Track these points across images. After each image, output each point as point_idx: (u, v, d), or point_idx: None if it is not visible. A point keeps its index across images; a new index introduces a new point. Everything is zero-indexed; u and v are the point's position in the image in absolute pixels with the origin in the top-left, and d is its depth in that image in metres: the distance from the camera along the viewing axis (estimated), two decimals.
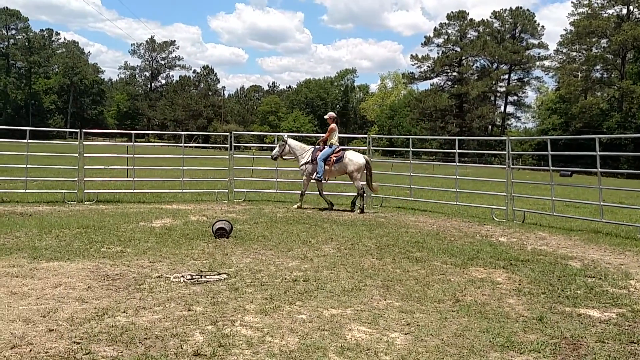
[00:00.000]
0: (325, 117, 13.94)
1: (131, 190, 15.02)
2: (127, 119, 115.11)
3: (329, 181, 14.04)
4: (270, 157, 14.16)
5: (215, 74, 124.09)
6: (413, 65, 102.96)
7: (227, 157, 15.86)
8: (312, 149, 13.57)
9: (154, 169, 19.57)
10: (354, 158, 13.34)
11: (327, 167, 13.15)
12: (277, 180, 16.21)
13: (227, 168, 15.62)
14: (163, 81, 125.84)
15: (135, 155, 15.45)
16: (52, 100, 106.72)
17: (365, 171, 13.38)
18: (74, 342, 4.16)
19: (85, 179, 14.34)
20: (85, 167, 14.50)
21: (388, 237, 9.46)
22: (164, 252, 7.60)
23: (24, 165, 14.44)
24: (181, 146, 17.23)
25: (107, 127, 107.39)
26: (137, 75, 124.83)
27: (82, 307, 5.04)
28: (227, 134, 16.07)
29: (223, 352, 4.10)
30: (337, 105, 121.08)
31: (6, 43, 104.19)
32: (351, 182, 13.80)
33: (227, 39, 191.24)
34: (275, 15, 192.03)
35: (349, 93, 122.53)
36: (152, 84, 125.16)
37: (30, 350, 3.96)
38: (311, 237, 9.16)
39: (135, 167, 15.42)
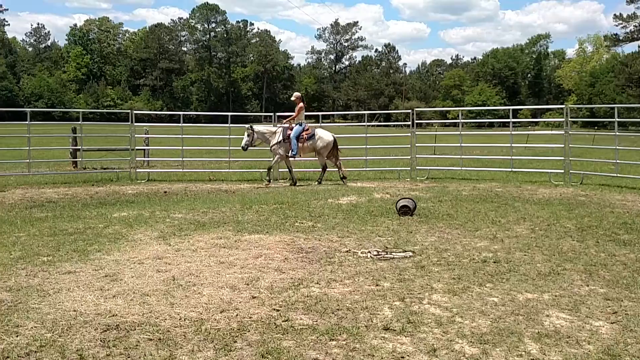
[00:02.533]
0: (292, 98, 14.37)
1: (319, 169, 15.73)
2: (314, 102, 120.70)
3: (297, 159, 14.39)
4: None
5: (397, 51, 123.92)
6: (617, 25, 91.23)
7: (409, 134, 15.79)
8: (282, 129, 13.99)
9: (340, 148, 20.26)
10: (324, 136, 13.97)
11: (300, 144, 13.75)
12: (462, 157, 15.72)
13: (409, 145, 15.56)
14: (346, 62, 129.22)
15: None
16: (249, 87, 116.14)
17: (332, 148, 13.94)
18: (274, 309, 4.50)
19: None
20: None
21: (590, 218, 8.61)
22: (351, 227, 7.84)
23: (227, 148, 15.99)
24: (364, 125, 17.57)
25: None
26: (322, 59, 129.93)
27: (280, 277, 5.43)
28: (409, 111, 15.99)
29: (412, 328, 4.10)
30: (529, 74, 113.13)
31: (208, 36, 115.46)
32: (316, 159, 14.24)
33: (408, 14, 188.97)
34: None
35: (542, 60, 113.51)
36: (337, 66, 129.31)
37: (237, 315, 4.37)
38: (501, 217, 8.72)
39: None
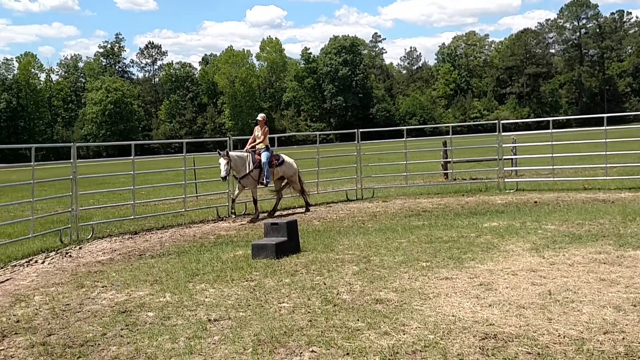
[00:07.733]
0: (258, 118, 12.83)
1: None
2: None
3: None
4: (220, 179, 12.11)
5: None
6: None
7: None
8: (248, 155, 12.33)
9: None
10: (292, 162, 13.02)
11: (271, 169, 12.48)
12: None
13: None
14: None
15: None
16: (627, 83, 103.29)
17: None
18: None
19: None
20: None
21: None
22: None
23: (603, 152, 14.59)
24: None
25: None
26: None
27: None
28: None
29: None
30: None
31: (578, 34, 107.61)
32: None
33: None
34: None
35: None
36: None
37: (623, 338, 3.94)
38: None
39: None
